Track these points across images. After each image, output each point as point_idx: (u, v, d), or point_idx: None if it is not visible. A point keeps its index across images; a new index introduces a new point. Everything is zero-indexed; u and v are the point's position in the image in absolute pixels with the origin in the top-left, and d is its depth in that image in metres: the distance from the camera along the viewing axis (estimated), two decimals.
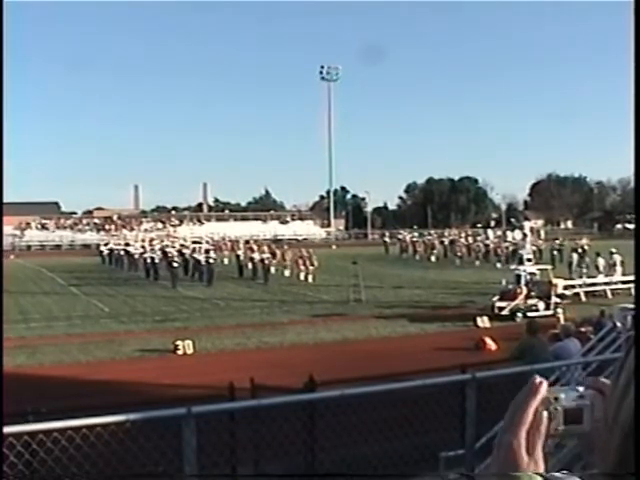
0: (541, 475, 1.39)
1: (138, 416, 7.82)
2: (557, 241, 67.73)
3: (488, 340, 25.85)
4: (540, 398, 1.43)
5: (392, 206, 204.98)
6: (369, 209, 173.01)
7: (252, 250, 58.30)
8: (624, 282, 40.31)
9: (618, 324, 15.96)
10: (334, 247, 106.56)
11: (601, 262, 44.76)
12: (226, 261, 68.69)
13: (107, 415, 7.68)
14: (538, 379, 1.46)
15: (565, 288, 36.64)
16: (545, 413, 1.44)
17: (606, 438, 1.31)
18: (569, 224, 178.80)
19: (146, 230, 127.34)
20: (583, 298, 37.49)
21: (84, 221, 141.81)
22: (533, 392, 1.44)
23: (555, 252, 62.88)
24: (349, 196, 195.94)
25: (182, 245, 67.17)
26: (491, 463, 1.45)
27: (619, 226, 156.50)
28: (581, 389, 1.47)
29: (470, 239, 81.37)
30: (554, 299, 33.66)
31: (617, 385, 1.31)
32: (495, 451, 1.44)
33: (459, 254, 73.02)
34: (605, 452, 1.32)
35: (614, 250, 43.96)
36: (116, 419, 7.68)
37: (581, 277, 43.19)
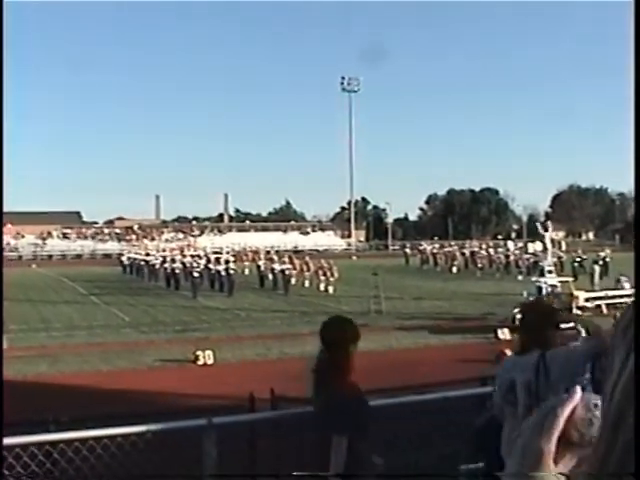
0: (566, 476, 1.36)
1: (159, 427, 7.86)
2: (578, 253, 67.42)
3: (508, 352, 25.71)
4: (574, 404, 1.39)
5: (413, 217, 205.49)
6: (390, 220, 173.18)
7: (273, 261, 58.38)
8: None
9: None
10: (355, 258, 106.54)
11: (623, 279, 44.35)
12: (247, 271, 68.73)
13: (128, 425, 7.71)
14: (577, 387, 1.42)
15: (586, 300, 36.48)
16: (582, 418, 1.38)
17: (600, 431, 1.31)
18: (590, 235, 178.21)
19: (167, 240, 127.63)
20: (605, 310, 37.25)
21: (105, 231, 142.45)
22: (569, 398, 1.40)
23: (576, 264, 62.58)
24: (370, 207, 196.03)
25: (203, 255, 67.26)
26: (512, 467, 1.40)
27: None
28: None
29: (491, 250, 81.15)
30: (575, 311, 33.54)
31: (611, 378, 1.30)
32: (520, 454, 1.39)
33: (480, 265, 72.84)
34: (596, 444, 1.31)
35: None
36: (137, 429, 7.71)
37: (603, 289, 42.97)
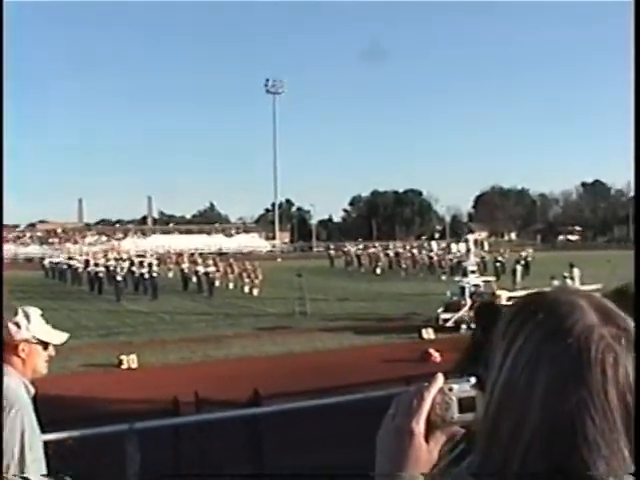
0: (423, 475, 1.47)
1: (81, 433, 7.75)
2: (500, 252, 68.33)
3: (433, 352, 25.91)
4: (437, 388, 1.53)
5: (337, 219, 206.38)
6: (314, 222, 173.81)
7: (196, 263, 58.15)
8: None
9: None
10: (279, 260, 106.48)
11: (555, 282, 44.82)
12: (171, 274, 68.35)
13: (49, 432, 7.58)
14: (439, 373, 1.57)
15: (508, 299, 36.68)
16: (439, 402, 1.53)
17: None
18: (513, 236, 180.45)
19: (90, 243, 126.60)
20: None
21: (27, 234, 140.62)
22: (434, 381, 1.54)
23: (498, 264, 63.35)
24: (294, 209, 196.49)
25: (126, 259, 66.78)
26: (388, 448, 1.51)
27: (561, 238, 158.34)
28: (473, 380, 1.57)
29: (415, 251, 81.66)
30: None
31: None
32: (394, 436, 1.50)
33: (404, 266, 73.31)
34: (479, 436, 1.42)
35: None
36: (58, 436, 7.59)
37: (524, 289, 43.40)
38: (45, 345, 5.03)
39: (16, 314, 4.86)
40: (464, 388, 1.56)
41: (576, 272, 44.58)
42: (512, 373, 1.32)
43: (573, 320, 1.33)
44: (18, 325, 4.85)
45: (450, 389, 1.54)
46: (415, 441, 1.47)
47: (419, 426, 1.48)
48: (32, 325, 4.90)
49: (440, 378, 1.55)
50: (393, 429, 1.51)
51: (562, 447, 1.26)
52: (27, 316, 4.91)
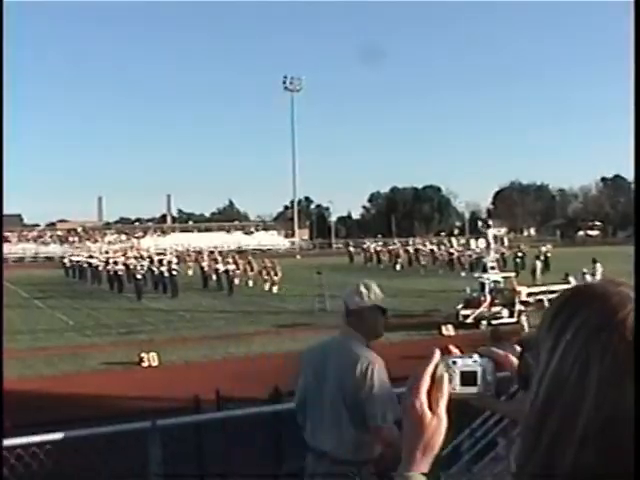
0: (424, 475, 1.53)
1: (103, 430, 7.77)
2: (520, 248, 68.17)
3: (453, 348, 25.73)
4: (434, 363, 1.69)
5: (356, 215, 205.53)
6: (333, 219, 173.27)
7: (216, 261, 58.20)
8: None
9: None
10: (298, 257, 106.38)
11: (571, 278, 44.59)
12: (190, 272, 68.46)
13: (71, 430, 7.62)
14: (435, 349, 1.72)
15: (528, 295, 36.59)
16: (445, 375, 1.68)
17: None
18: (532, 231, 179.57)
19: (110, 242, 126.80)
20: (547, 304, 37.31)
21: (47, 233, 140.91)
22: (432, 356, 1.71)
23: (518, 259, 63.21)
24: (313, 206, 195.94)
25: (146, 257, 66.86)
26: (403, 424, 1.63)
27: (581, 233, 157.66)
28: (475, 356, 1.76)
29: (434, 247, 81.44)
30: (518, 306, 33.68)
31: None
32: (402, 413, 1.63)
33: (423, 263, 73.14)
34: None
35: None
36: (81, 433, 7.62)
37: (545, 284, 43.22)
38: (383, 311, 6.13)
39: (358, 286, 5.96)
40: (467, 363, 1.73)
41: (599, 267, 44.38)
42: (561, 368, 1.30)
43: (625, 312, 1.33)
44: (361, 295, 5.94)
45: (454, 362, 1.72)
46: (418, 410, 1.58)
47: (419, 397, 1.59)
48: (372, 294, 5.94)
49: (437, 353, 1.71)
50: (402, 409, 1.63)
51: (619, 442, 1.24)
52: (367, 287, 5.97)
